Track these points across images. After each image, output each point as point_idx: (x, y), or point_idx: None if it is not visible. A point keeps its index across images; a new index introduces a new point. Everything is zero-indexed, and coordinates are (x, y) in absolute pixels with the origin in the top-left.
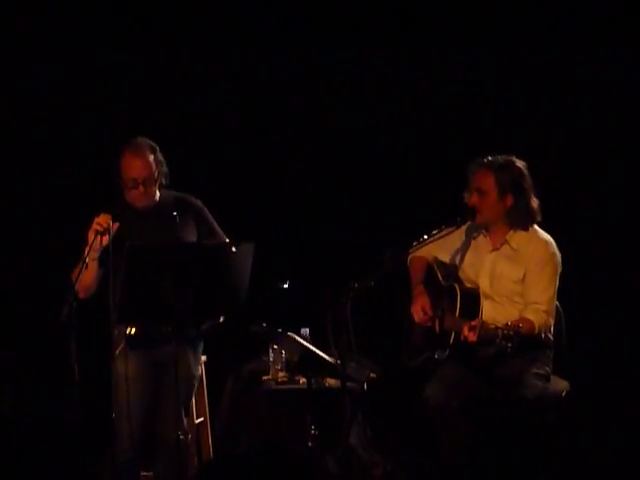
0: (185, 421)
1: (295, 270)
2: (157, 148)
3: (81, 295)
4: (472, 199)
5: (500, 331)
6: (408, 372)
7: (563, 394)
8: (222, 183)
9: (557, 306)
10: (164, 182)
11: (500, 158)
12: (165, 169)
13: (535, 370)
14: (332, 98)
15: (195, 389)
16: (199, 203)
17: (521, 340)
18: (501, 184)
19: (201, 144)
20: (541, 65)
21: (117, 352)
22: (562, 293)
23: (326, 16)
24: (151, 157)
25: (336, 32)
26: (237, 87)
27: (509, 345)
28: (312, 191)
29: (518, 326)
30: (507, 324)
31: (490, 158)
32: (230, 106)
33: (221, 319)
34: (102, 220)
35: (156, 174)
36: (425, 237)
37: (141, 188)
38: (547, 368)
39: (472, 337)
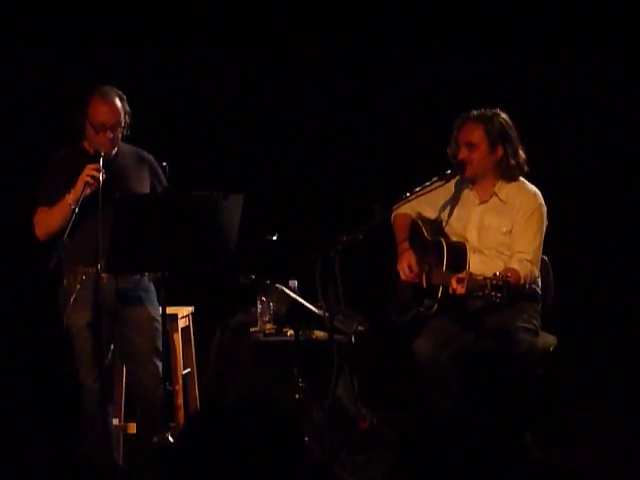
0: (159, 366)
1: (284, 222)
2: (124, 97)
3: (42, 238)
4: (461, 153)
5: (489, 281)
6: (397, 326)
7: (551, 349)
8: (212, 134)
9: (545, 260)
10: (125, 134)
11: (486, 111)
12: (129, 120)
13: (524, 324)
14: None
15: (159, 333)
16: (153, 159)
17: (510, 291)
18: (491, 136)
19: (191, 95)
20: None
21: (71, 301)
22: (549, 248)
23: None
24: (119, 104)
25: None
26: None
27: (499, 295)
28: (301, 143)
29: (506, 276)
30: (495, 274)
31: (475, 112)
32: None
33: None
34: (94, 171)
35: (123, 122)
36: (408, 194)
37: (109, 133)
38: (535, 322)
39: (460, 289)
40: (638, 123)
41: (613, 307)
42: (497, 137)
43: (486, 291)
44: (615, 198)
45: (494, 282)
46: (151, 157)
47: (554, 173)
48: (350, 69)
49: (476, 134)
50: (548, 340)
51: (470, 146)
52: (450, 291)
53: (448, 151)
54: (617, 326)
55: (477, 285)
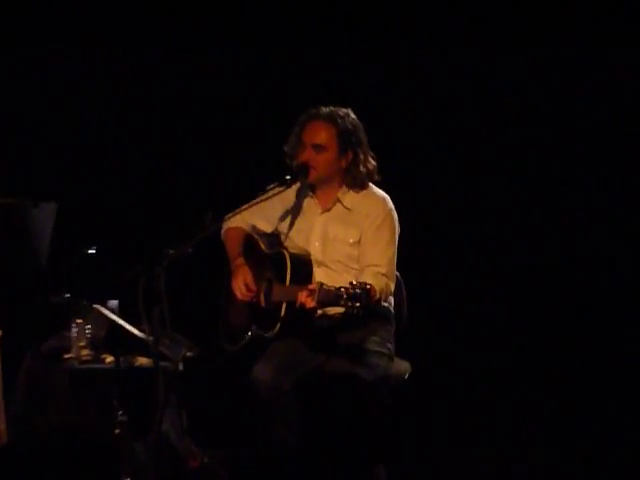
0: None
1: (103, 233)
2: None
3: None
4: (306, 154)
5: (344, 291)
6: (231, 352)
7: (405, 377)
8: (21, 135)
9: (397, 275)
10: None
11: (337, 109)
12: None
13: (377, 348)
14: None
15: None
16: None
17: (368, 302)
18: (342, 138)
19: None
20: None
21: None
22: (401, 262)
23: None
24: None
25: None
26: None
27: (357, 305)
28: (124, 144)
29: (365, 284)
30: (352, 283)
31: (325, 109)
32: None
33: None
34: None
35: None
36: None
37: None
38: (389, 345)
39: (310, 302)
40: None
41: (472, 329)
42: (348, 140)
43: (341, 302)
44: (472, 208)
45: (351, 291)
46: None
47: (404, 179)
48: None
49: (326, 134)
50: (402, 366)
51: (318, 147)
52: (297, 306)
53: (286, 150)
54: (475, 350)
55: (330, 296)
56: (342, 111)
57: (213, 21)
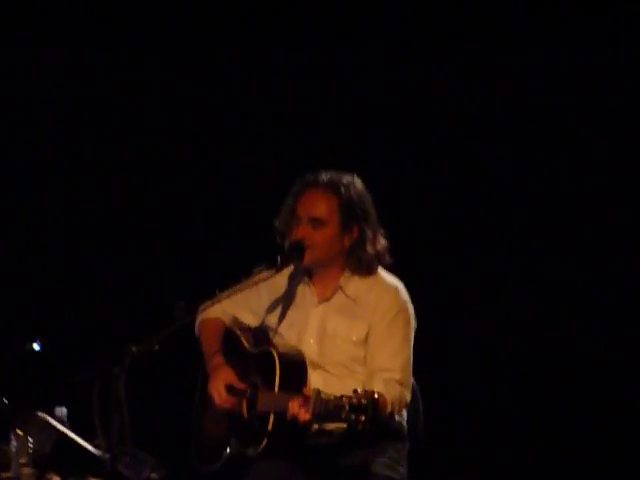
0: None
1: (50, 324)
2: None
3: None
4: (300, 231)
5: (346, 401)
6: (206, 473)
7: None
8: None
9: (412, 383)
10: None
11: (340, 176)
12: None
13: (386, 472)
14: None
15: None
16: None
17: (375, 415)
18: (346, 211)
19: None
20: None
21: None
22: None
23: None
24: None
25: None
26: None
27: (362, 419)
28: (77, 215)
29: (373, 392)
30: (355, 391)
31: (325, 175)
32: None
33: None
34: None
35: None
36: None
37: None
38: (402, 470)
39: (304, 414)
40: None
41: (504, 449)
42: (353, 213)
43: (343, 415)
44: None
45: (354, 401)
46: None
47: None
48: None
49: (325, 207)
50: None
51: (316, 222)
52: (288, 419)
53: (277, 225)
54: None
55: (329, 407)
56: (346, 178)
57: None
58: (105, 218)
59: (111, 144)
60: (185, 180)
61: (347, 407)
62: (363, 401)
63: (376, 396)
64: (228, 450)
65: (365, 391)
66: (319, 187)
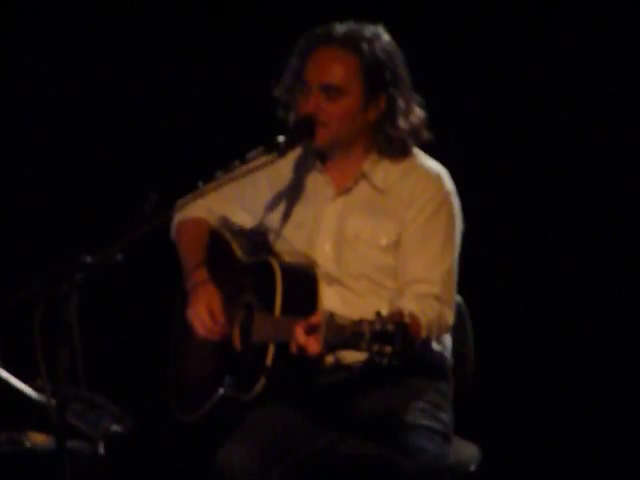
0: None
1: None
2: None
3: None
4: (311, 103)
5: (367, 326)
6: (185, 424)
7: (471, 468)
8: None
9: (459, 301)
10: None
11: (362, 29)
12: None
13: (423, 421)
14: None
15: None
16: None
17: (407, 345)
18: (371, 76)
19: None
20: None
21: None
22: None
23: None
24: None
25: None
26: None
27: (387, 351)
28: None
29: (402, 315)
30: (379, 314)
31: (342, 28)
32: None
33: None
34: None
35: None
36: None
37: None
38: (443, 416)
39: (314, 346)
40: None
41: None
42: (379, 78)
43: (363, 344)
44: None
45: (377, 327)
46: None
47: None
48: None
49: (343, 69)
50: (466, 451)
51: (330, 91)
52: (293, 351)
53: (277, 95)
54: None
55: (346, 335)
56: (369, 30)
57: None
58: None
59: None
60: None
61: (368, 335)
62: (389, 327)
63: (406, 319)
64: (216, 394)
65: (392, 313)
66: (333, 44)
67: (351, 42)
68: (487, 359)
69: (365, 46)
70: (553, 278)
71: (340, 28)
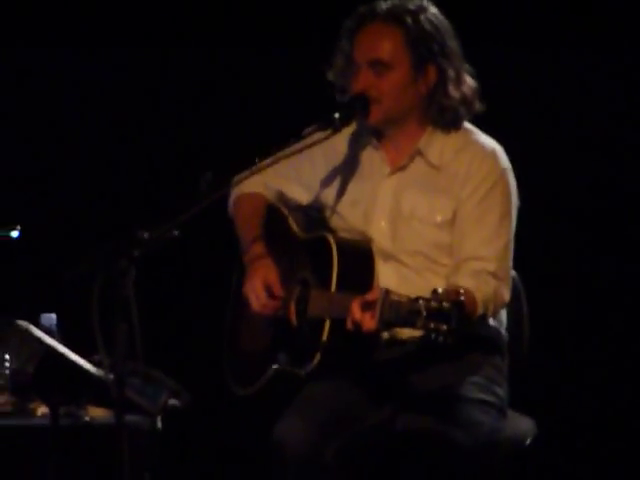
0: None
1: (32, 209)
2: None
3: None
4: (361, 80)
5: (423, 305)
6: (242, 399)
7: (527, 442)
8: None
9: (514, 277)
10: None
11: (406, 3)
12: None
13: (479, 394)
14: None
15: None
16: None
17: (463, 322)
18: (418, 47)
19: None
20: None
21: None
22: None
23: None
24: None
25: None
26: None
27: (444, 329)
28: None
29: (458, 293)
30: (435, 291)
31: (386, 4)
32: None
33: None
34: None
35: None
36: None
37: None
38: (499, 390)
39: (370, 322)
40: None
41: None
42: (427, 49)
43: (419, 322)
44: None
45: (433, 304)
46: None
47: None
48: None
49: (388, 44)
50: (522, 425)
51: (378, 66)
52: (349, 327)
53: (331, 78)
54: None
55: (402, 311)
56: (413, 4)
57: None
58: None
59: None
60: None
61: (424, 313)
62: (445, 305)
63: (462, 297)
64: (272, 369)
65: (448, 290)
66: (377, 20)
67: (394, 16)
68: (542, 335)
69: (409, 19)
70: (614, 261)
71: (384, 4)
